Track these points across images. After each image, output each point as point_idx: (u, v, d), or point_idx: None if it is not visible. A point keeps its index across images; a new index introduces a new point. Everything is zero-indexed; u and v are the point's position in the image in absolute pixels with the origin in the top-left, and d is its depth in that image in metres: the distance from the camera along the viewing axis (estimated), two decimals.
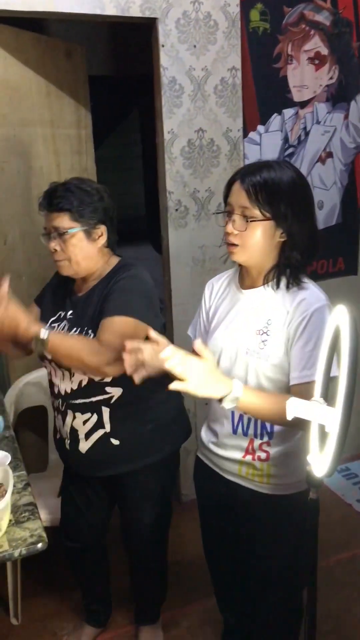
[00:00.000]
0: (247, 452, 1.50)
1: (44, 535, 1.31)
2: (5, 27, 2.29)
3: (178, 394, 1.85)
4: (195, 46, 2.44)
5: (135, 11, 2.28)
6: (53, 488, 2.24)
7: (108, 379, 1.62)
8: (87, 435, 1.68)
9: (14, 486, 1.41)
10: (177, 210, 2.58)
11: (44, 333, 1.44)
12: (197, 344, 1.25)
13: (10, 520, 1.33)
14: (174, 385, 1.20)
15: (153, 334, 1.31)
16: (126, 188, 4.97)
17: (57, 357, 1.52)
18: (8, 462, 1.51)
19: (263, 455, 1.48)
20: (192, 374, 1.20)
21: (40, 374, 2.38)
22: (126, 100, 4.73)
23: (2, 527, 1.29)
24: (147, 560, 1.93)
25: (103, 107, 3.20)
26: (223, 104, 2.55)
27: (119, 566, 2.07)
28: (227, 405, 1.26)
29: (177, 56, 2.42)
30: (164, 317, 2.54)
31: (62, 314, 1.71)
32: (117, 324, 1.52)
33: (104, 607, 2.09)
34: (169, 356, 1.18)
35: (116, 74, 4.41)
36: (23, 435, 2.50)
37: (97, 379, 1.62)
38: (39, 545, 1.28)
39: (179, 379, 1.20)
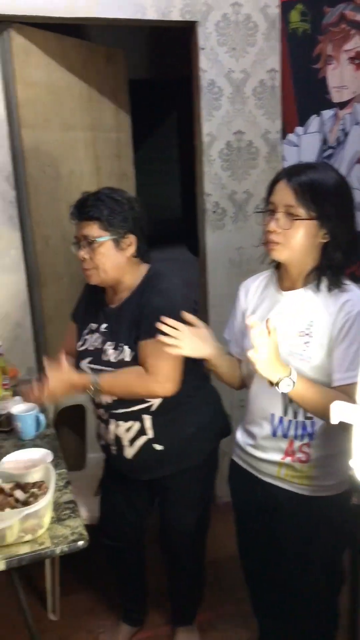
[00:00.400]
0: (286, 453, 1.49)
1: (85, 533, 1.33)
2: (50, 33, 2.34)
3: (216, 395, 1.87)
4: (234, 48, 2.45)
5: (175, 15, 2.30)
6: (91, 486, 2.27)
7: None
8: (131, 442, 1.71)
9: (55, 484, 1.44)
10: (214, 212, 2.59)
11: (94, 383, 1.59)
12: (268, 323, 1.29)
13: (52, 518, 1.36)
14: (249, 353, 1.27)
15: (189, 316, 1.41)
16: (162, 191, 4.99)
17: (113, 395, 1.64)
18: (50, 459, 1.54)
19: (303, 456, 1.47)
20: (265, 349, 1.27)
21: None
22: (164, 104, 4.76)
23: (44, 524, 1.31)
24: (185, 561, 1.94)
25: (141, 111, 3.22)
26: (262, 105, 2.54)
27: (156, 566, 2.08)
28: (283, 388, 1.30)
29: (217, 59, 2.43)
30: (200, 318, 2.54)
31: (96, 327, 1.74)
32: (157, 346, 1.52)
33: (140, 607, 2.11)
34: (254, 323, 1.26)
35: (154, 77, 4.44)
36: (61, 434, 2.54)
37: None
38: (80, 543, 1.30)
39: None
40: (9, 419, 1.88)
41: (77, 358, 1.75)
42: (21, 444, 1.77)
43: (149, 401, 1.66)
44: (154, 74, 4.49)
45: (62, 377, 1.60)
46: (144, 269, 1.70)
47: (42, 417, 1.81)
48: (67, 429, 2.60)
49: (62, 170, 2.50)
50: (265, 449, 1.54)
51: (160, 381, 1.57)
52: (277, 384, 1.30)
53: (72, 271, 2.58)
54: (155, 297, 1.61)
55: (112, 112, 2.74)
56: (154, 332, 1.54)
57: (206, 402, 1.81)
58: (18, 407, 1.84)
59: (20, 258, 2.35)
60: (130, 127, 2.89)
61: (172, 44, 3.96)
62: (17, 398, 2.03)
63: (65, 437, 2.58)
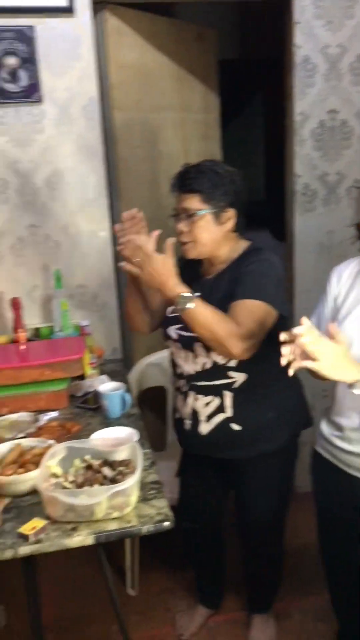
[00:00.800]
0: None
1: (170, 514, 1.33)
2: (143, 13, 2.33)
3: (299, 383, 1.82)
4: (331, 22, 2.34)
5: None
6: (171, 468, 2.28)
7: (232, 364, 1.62)
8: (208, 418, 1.69)
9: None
10: (304, 194, 2.50)
11: (188, 296, 1.45)
12: (331, 327, 1.21)
13: (138, 497, 1.37)
14: (306, 363, 1.17)
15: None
16: (246, 172, 4.91)
17: (193, 323, 1.48)
18: (136, 439, 1.56)
19: None
20: (325, 354, 1.17)
21: (161, 356, 2.43)
22: (250, 84, 4.66)
23: (131, 503, 1.33)
24: (262, 548, 1.91)
25: (229, 91, 3.16)
26: (358, 82, 2.42)
27: (235, 550, 2.07)
28: (358, 391, 1.21)
29: (312, 33, 2.33)
30: (287, 305, 2.48)
31: None
32: (248, 307, 1.51)
33: (217, 590, 2.11)
34: (303, 333, 1.15)
35: (242, 57, 4.35)
36: (143, 415, 2.57)
37: (221, 362, 1.61)
38: (166, 523, 1.30)
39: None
40: (95, 397, 1.92)
41: (165, 323, 1.75)
42: (107, 422, 1.80)
43: (232, 377, 1.63)
44: (241, 54, 4.41)
45: (167, 262, 1.46)
46: (243, 244, 1.67)
47: (128, 396, 1.83)
48: (147, 411, 2.63)
49: (151, 151, 2.50)
50: (353, 441, 1.48)
51: (240, 336, 1.45)
52: (350, 386, 1.21)
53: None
54: (256, 264, 1.58)
55: (201, 93, 2.71)
56: (248, 294, 1.51)
57: (290, 388, 1.76)
58: (105, 386, 1.87)
59: (109, 239, 2.38)
60: (218, 109, 2.85)
61: (259, 22, 3.86)
62: (104, 377, 2.08)
63: (146, 418, 2.61)
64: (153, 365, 2.48)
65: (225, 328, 1.46)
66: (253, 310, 1.50)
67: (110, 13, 2.21)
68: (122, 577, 2.26)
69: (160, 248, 1.49)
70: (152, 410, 2.63)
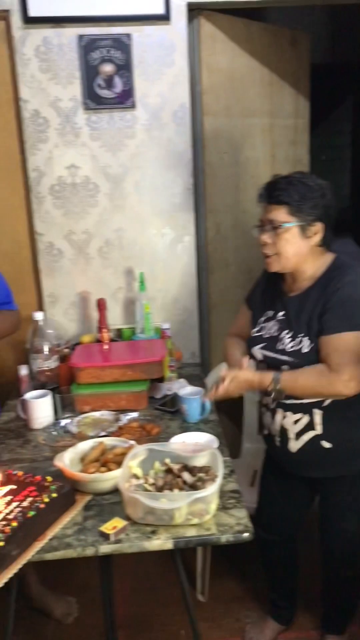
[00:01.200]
0: None
1: (250, 525, 1.31)
2: (236, 19, 2.33)
3: None
4: None
5: None
6: (246, 476, 2.26)
7: None
8: (298, 436, 1.65)
9: None
10: None
11: (276, 382, 1.56)
12: None
13: (217, 505, 1.36)
14: None
15: None
16: (330, 178, 4.80)
17: (294, 393, 1.58)
18: (216, 445, 1.55)
19: None
20: None
21: None
22: (341, 88, 4.56)
23: (211, 511, 1.32)
24: (343, 568, 1.85)
25: (317, 95, 3.10)
26: None
27: (311, 567, 2.02)
28: None
29: None
30: None
31: (272, 314, 1.69)
32: (344, 342, 1.49)
33: (290, 606, 2.06)
34: None
35: (332, 61, 4.26)
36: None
37: None
38: (245, 535, 1.29)
39: None
40: (174, 400, 1.93)
41: (249, 343, 1.73)
42: (186, 426, 1.80)
43: None
44: (332, 58, 4.31)
45: (242, 377, 1.61)
46: (328, 258, 1.62)
47: (207, 402, 1.82)
48: (223, 416, 2.62)
49: (238, 157, 2.49)
50: None
51: (345, 380, 1.48)
52: None
53: (240, 259, 2.58)
54: (343, 289, 1.52)
55: (291, 98, 2.67)
56: (340, 326, 1.48)
57: None
58: (185, 390, 1.87)
59: (193, 244, 2.39)
60: (308, 113, 2.79)
61: (352, 26, 3.77)
62: (182, 380, 2.09)
63: (221, 424, 2.60)
64: None
65: (325, 383, 1.51)
66: (348, 345, 1.49)
67: (205, 19, 2.22)
68: (191, 582, 2.26)
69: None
70: (226, 417, 2.61)
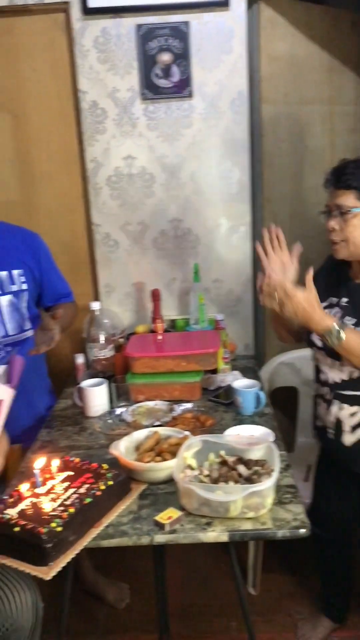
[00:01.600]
0: None
1: (307, 521, 1.28)
2: (297, 2, 2.27)
3: None
4: None
5: None
6: (299, 471, 2.23)
7: None
8: (353, 429, 1.61)
9: None
10: None
11: (339, 327, 1.45)
12: None
13: (273, 499, 1.34)
14: None
15: None
16: None
17: (347, 353, 1.49)
18: (272, 439, 1.52)
19: None
20: None
21: (294, 356, 2.37)
22: None
23: (266, 505, 1.30)
24: None
25: None
26: None
27: None
28: None
29: None
30: None
31: (336, 300, 1.65)
32: None
33: (343, 604, 2.02)
34: None
35: None
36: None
37: None
38: (302, 530, 1.26)
39: None
40: (228, 392, 1.91)
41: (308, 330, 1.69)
42: (240, 418, 1.78)
43: None
44: None
45: (309, 297, 1.48)
46: None
47: (262, 394, 1.80)
48: (277, 410, 2.58)
49: (296, 145, 2.43)
50: None
51: None
52: None
53: None
54: None
55: (352, 84, 2.58)
56: None
57: None
58: (240, 382, 1.85)
59: (248, 235, 2.36)
60: None
61: None
62: (236, 372, 2.07)
63: (276, 418, 2.57)
64: (285, 364, 2.42)
65: None
66: None
67: (265, 4, 2.18)
68: (242, 574, 2.25)
69: (296, 239, 1.46)
70: (281, 411, 2.58)
